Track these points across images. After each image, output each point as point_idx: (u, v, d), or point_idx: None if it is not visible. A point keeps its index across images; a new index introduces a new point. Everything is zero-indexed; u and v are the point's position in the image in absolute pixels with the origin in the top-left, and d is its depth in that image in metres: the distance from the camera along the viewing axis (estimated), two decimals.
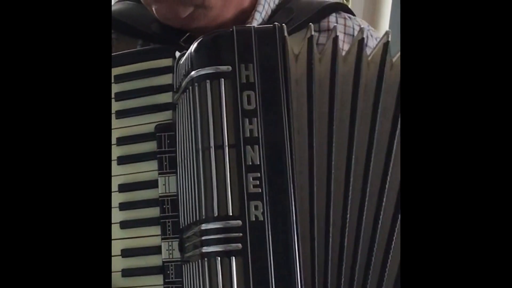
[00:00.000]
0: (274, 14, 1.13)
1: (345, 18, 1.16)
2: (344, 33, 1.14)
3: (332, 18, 1.15)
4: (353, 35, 1.13)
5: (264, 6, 1.12)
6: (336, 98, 0.89)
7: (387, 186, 0.88)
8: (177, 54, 0.96)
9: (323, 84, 0.89)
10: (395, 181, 0.88)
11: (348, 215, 0.88)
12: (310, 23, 0.92)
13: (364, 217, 0.88)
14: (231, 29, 0.87)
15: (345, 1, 2.29)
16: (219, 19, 1.08)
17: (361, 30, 0.93)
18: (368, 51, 0.93)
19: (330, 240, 0.87)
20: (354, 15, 1.19)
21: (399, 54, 0.92)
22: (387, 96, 0.90)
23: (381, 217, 0.88)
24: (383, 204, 0.88)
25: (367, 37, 1.12)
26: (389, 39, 0.92)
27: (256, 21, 1.10)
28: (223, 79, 0.86)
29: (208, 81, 0.86)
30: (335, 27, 0.92)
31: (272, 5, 1.14)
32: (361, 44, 0.92)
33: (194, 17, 1.06)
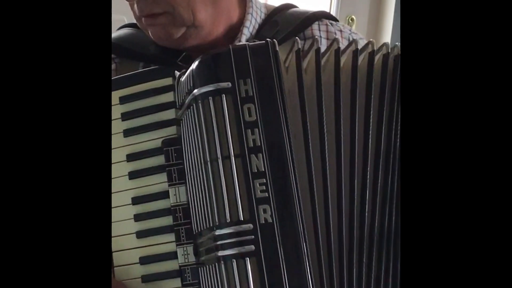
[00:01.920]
0: (261, 28, 1.13)
1: (327, 25, 1.17)
2: (327, 38, 1.14)
3: (315, 26, 1.15)
4: None
5: (251, 22, 1.12)
6: (323, 104, 0.90)
7: (368, 178, 0.91)
8: (177, 73, 0.96)
9: (311, 92, 0.90)
10: (372, 173, 0.91)
11: (343, 208, 0.89)
12: (296, 37, 0.92)
13: (355, 209, 0.90)
14: (227, 48, 0.87)
15: (350, 21, 2.31)
16: (211, 36, 1.08)
17: (336, 40, 0.94)
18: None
19: (331, 233, 0.88)
20: (336, 20, 1.20)
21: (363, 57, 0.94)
22: (360, 97, 0.92)
23: (366, 210, 0.91)
24: (367, 198, 0.91)
25: (348, 40, 1.14)
26: (358, 47, 0.93)
27: (245, 35, 1.10)
28: (224, 95, 0.86)
29: (210, 97, 0.86)
30: (316, 39, 0.93)
31: (259, 20, 1.14)
32: (337, 53, 0.92)
33: (187, 37, 1.06)
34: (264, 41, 0.88)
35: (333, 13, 2.39)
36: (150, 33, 1.07)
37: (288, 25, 1.11)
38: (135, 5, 1.04)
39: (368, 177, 0.91)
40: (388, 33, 2.33)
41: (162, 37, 1.06)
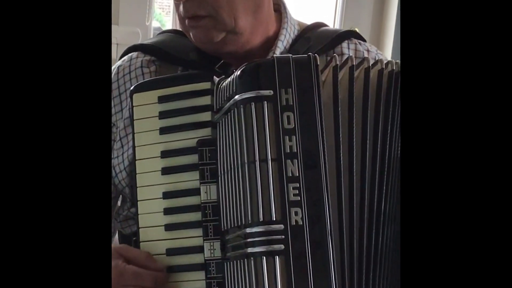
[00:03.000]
0: (295, 43, 1.15)
1: (355, 44, 1.20)
2: (355, 56, 1.17)
3: (345, 44, 1.19)
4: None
5: (285, 36, 1.14)
6: (354, 117, 0.92)
7: (384, 191, 0.93)
8: (215, 79, 0.98)
9: (343, 106, 0.92)
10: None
11: (365, 218, 0.91)
12: (335, 54, 0.95)
13: (374, 220, 0.92)
14: (271, 58, 0.89)
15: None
16: (248, 45, 1.11)
17: (366, 59, 0.96)
18: None
19: (355, 237, 0.90)
20: (364, 40, 1.23)
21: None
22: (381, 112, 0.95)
23: (382, 219, 0.93)
24: (382, 209, 0.93)
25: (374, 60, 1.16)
26: (383, 67, 0.96)
27: (279, 48, 1.13)
28: (266, 102, 0.87)
29: (252, 103, 0.88)
30: (351, 57, 0.95)
31: (292, 35, 1.16)
32: (367, 72, 0.95)
33: (226, 42, 1.08)
34: (306, 55, 0.90)
35: (336, 25, 2.47)
36: (191, 35, 1.09)
37: (319, 42, 1.14)
38: (181, 6, 1.06)
39: (384, 189, 0.93)
40: (389, 44, 2.40)
41: (203, 39, 1.08)
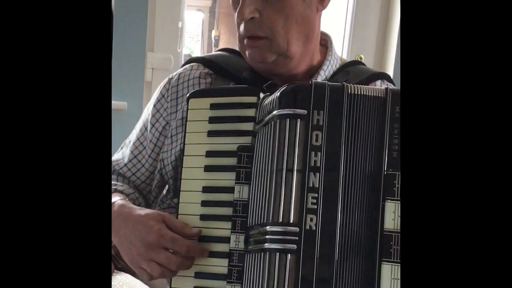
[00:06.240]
0: (335, 74, 1.21)
1: (387, 85, 1.24)
2: None
3: (378, 82, 1.24)
4: None
5: (328, 67, 1.20)
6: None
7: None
8: (261, 95, 1.04)
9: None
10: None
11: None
12: (344, 83, 0.98)
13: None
14: (310, 82, 0.95)
15: (359, 59, 2.44)
16: (294, 70, 1.17)
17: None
18: None
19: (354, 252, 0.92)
20: (394, 84, 1.27)
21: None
22: None
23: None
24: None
25: None
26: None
27: (320, 77, 1.18)
28: (299, 120, 0.93)
29: (288, 119, 0.94)
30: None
31: (334, 68, 1.22)
32: None
33: (277, 64, 1.14)
34: (341, 84, 0.95)
35: (344, 52, 2.59)
36: (247, 55, 1.16)
37: (357, 76, 1.20)
38: (242, 26, 1.13)
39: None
40: (391, 69, 2.52)
41: (257, 59, 1.14)
